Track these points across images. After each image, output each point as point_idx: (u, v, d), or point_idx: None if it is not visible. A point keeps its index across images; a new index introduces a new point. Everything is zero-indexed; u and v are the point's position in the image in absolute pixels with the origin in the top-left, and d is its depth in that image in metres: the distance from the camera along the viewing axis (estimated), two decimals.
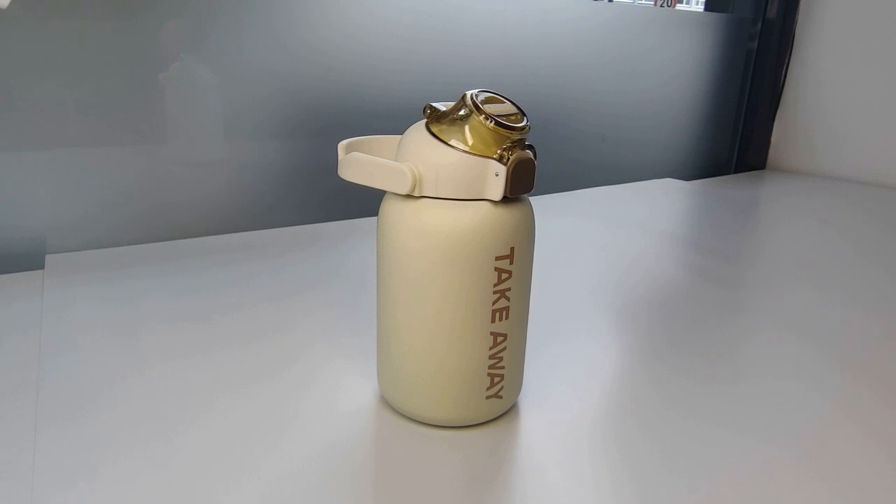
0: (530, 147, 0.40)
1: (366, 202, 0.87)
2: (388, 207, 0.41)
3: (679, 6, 1.56)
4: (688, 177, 1.30)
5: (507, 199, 0.39)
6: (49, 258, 0.67)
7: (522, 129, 0.40)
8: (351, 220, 0.86)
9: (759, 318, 0.63)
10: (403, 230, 0.40)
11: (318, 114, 0.83)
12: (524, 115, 0.41)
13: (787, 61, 1.31)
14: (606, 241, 0.83)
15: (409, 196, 0.40)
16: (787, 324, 0.61)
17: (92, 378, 0.47)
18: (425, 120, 0.40)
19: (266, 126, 0.81)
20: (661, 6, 1.49)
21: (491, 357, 0.41)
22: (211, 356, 0.51)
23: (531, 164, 0.40)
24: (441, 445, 0.41)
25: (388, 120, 0.87)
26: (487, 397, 0.42)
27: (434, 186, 0.39)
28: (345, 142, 0.44)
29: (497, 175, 0.38)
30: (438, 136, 0.39)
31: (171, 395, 0.46)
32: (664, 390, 0.48)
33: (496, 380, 0.42)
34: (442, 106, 0.40)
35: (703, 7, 1.44)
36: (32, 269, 0.66)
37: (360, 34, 0.83)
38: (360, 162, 0.41)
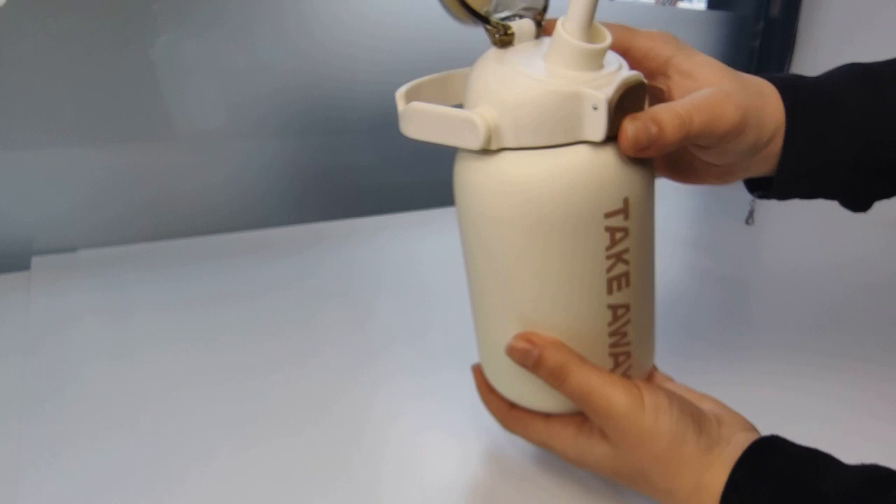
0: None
1: (370, 201, 0.85)
2: (462, 168, 0.33)
3: (681, 4, 1.55)
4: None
5: (611, 139, 0.31)
6: (35, 259, 0.66)
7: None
8: (355, 220, 0.84)
9: (760, 318, 0.62)
10: (482, 195, 0.32)
11: (319, 112, 0.81)
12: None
13: (789, 60, 1.30)
14: None
15: (485, 151, 0.31)
16: (788, 324, 0.60)
17: (78, 381, 0.46)
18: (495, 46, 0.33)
19: (267, 124, 0.80)
20: (663, 4, 1.47)
21: (612, 334, 0.34)
22: (203, 361, 0.50)
23: (641, 89, 0.31)
24: None
25: (392, 119, 0.85)
26: None
27: (514, 133, 0.30)
28: (404, 88, 0.35)
29: (596, 108, 0.30)
30: (514, 64, 0.31)
31: (160, 399, 0.45)
32: None
33: (621, 359, 0.35)
34: (516, 20, 0.32)
35: (704, 5, 1.43)
36: (18, 271, 0.64)
37: (366, 31, 0.82)
38: (421, 113, 0.32)
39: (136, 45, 0.70)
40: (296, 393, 0.46)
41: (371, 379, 0.48)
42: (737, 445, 0.32)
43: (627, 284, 0.33)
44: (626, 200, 0.31)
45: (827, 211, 1.02)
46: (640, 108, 0.31)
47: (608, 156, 0.31)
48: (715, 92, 0.35)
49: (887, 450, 0.43)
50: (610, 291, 0.33)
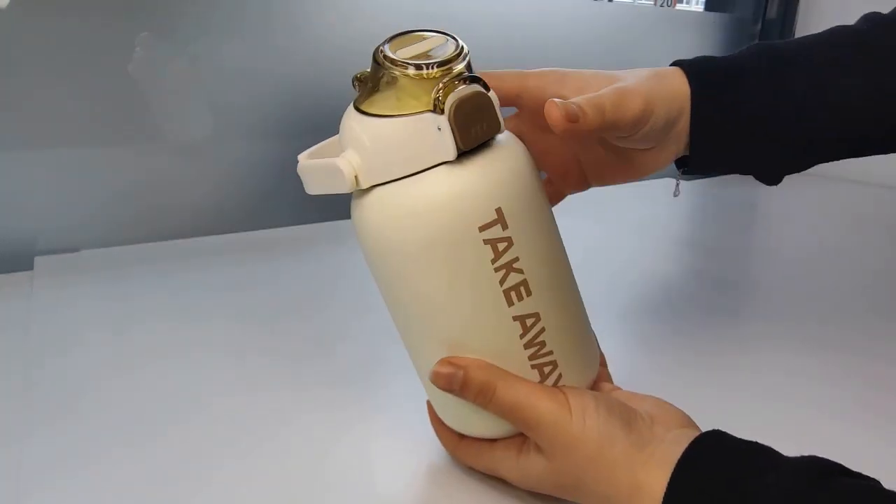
0: (475, 79, 0.32)
1: None
2: (352, 209, 0.35)
3: (679, 6, 1.55)
4: (689, 176, 1.30)
5: (467, 153, 0.32)
6: (38, 259, 0.66)
7: (451, 60, 0.31)
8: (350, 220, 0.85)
9: (760, 319, 0.62)
10: (368, 231, 0.33)
11: (316, 112, 0.82)
12: (457, 42, 0.33)
13: None
14: (606, 241, 0.82)
15: (361, 192, 0.33)
16: (788, 325, 0.60)
17: (80, 380, 0.47)
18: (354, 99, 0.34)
19: (263, 125, 0.80)
20: (661, 6, 1.48)
21: (528, 346, 0.34)
22: (203, 362, 0.50)
23: (480, 99, 0.32)
24: None
25: None
26: None
27: (378, 169, 0.32)
28: (306, 152, 0.37)
29: (440, 129, 0.31)
30: (366, 110, 0.32)
31: (160, 400, 0.45)
32: (663, 392, 0.47)
33: (546, 370, 0.35)
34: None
35: (703, 7, 1.44)
36: (21, 271, 0.65)
37: (359, 32, 0.83)
38: (306, 170, 0.35)
39: (138, 48, 0.70)
40: (297, 391, 0.47)
41: (374, 378, 0.49)
42: (671, 443, 0.31)
43: (528, 293, 0.33)
44: (498, 211, 0.32)
45: (828, 212, 1.02)
46: (492, 118, 0.32)
47: (469, 171, 0.32)
48: (619, 86, 0.38)
49: (887, 443, 0.43)
50: (510, 303, 0.33)
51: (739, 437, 0.31)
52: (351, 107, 0.34)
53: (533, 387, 0.33)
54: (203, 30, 0.74)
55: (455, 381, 0.33)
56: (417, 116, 0.31)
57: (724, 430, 0.32)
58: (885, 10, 0.45)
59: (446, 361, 0.34)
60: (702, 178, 0.46)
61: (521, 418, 0.33)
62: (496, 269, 0.32)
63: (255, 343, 0.53)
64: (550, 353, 0.34)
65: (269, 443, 0.41)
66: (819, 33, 0.45)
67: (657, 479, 0.30)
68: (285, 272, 0.68)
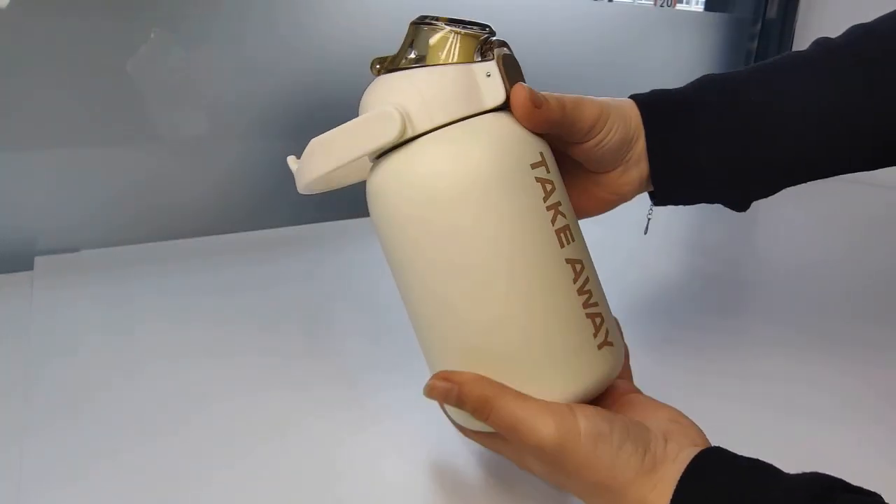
0: (506, 45, 0.35)
1: (365, 201, 0.86)
2: (383, 174, 0.33)
3: (679, 6, 1.55)
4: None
5: (507, 103, 0.34)
6: (38, 259, 0.66)
7: (488, 27, 0.34)
8: (350, 220, 0.85)
9: (760, 321, 0.62)
10: (412, 188, 0.32)
11: (317, 112, 0.82)
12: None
13: None
14: (605, 241, 0.82)
15: (401, 146, 0.32)
16: (787, 325, 0.60)
17: (80, 381, 0.47)
18: (379, 75, 0.35)
19: (263, 125, 0.80)
20: (661, 6, 1.48)
21: (580, 293, 0.33)
22: (203, 362, 0.50)
23: (515, 60, 0.35)
24: None
25: None
26: (599, 346, 0.33)
27: (427, 115, 0.32)
28: (294, 156, 0.37)
29: (489, 75, 0.33)
30: (407, 67, 0.33)
31: (160, 400, 0.45)
32: (662, 393, 0.47)
33: (598, 321, 0.34)
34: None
35: (703, 7, 1.44)
36: (21, 271, 0.65)
37: (361, 32, 0.83)
38: (325, 142, 0.34)
39: (139, 48, 0.70)
40: (297, 391, 0.47)
41: (375, 377, 0.49)
42: (682, 463, 0.30)
43: (573, 239, 0.34)
44: (542, 154, 0.34)
45: (827, 212, 1.02)
46: (522, 79, 0.35)
47: (511, 118, 0.34)
48: (577, 95, 0.40)
49: (889, 452, 0.43)
50: (562, 244, 0.33)
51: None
52: (381, 76, 0.34)
53: (535, 404, 0.32)
54: (204, 29, 0.74)
55: (451, 396, 0.33)
56: (465, 65, 0.33)
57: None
58: (887, 9, 0.46)
59: (442, 376, 0.33)
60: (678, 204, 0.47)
61: (522, 440, 0.31)
62: (547, 208, 0.33)
63: (255, 343, 0.53)
64: (597, 304, 0.34)
65: (270, 443, 0.41)
66: (768, 60, 0.46)
67: (664, 499, 0.30)
68: (285, 272, 0.68)
